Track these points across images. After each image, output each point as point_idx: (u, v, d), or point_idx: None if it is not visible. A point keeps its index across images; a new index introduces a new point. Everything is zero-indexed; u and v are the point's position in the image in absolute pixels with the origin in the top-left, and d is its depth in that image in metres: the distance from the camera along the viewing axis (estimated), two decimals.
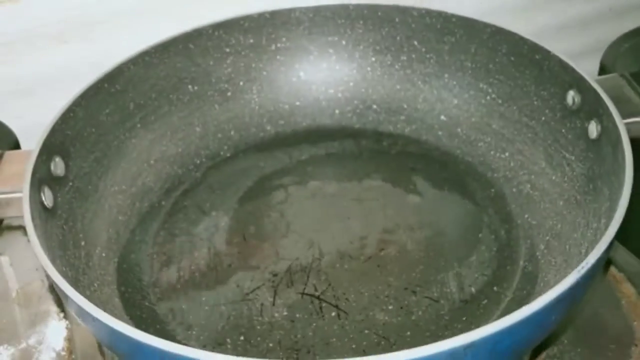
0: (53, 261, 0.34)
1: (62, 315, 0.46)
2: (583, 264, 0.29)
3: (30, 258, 0.49)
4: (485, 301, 0.41)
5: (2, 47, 0.59)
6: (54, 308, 0.46)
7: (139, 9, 0.61)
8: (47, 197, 0.40)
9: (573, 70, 0.44)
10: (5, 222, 0.52)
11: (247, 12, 0.54)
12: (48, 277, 0.33)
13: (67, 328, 0.45)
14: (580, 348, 0.40)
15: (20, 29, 0.59)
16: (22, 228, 0.52)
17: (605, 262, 0.35)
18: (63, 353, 0.43)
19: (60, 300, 0.46)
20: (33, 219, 0.36)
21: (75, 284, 0.34)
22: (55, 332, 0.45)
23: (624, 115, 0.39)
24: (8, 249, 0.51)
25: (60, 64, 0.61)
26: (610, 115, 0.39)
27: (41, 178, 0.40)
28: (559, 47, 0.46)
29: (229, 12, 0.54)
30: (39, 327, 0.45)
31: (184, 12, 0.62)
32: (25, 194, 0.37)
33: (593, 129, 0.41)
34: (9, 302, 0.47)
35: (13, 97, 0.61)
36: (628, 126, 0.38)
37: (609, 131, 0.39)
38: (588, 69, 0.43)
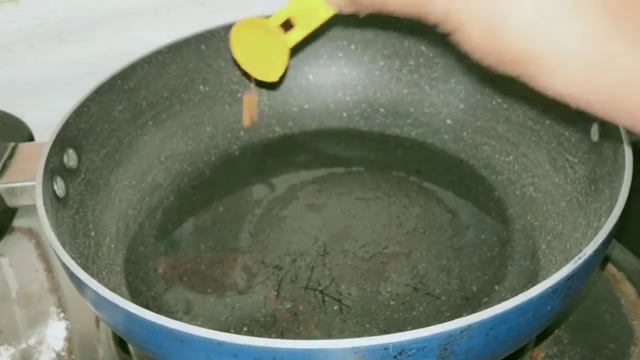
0: (63, 246, 0.35)
1: (62, 315, 0.46)
2: (580, 254, 0.29)
3: (30, 259, 0.50)
4: (486, 299, 0.41)
5: (2, 47, 0.60)
6: (53, 309, 0.46)
7: (139, 10, 0.61)
8: (60, 187, 0.41)
9: None
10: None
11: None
12: (59, 259, 0.34)
13: (67, 328, 0.45)
14: (580, 347, 0.40)
15: (20, 29, 0.59)
16: (21, 229, 0.53)
17: (603, 259, 0.35)
18: (63, 353, 0.43)
19: (60, 301, 0.47)
20: (45, 205, 0.37)
21: (84, 270, 0.35)
22: (55, 332, 0.45)
23: None
24: (8, 250, 0.51)
25: (60, 64, 0.61)
26: None
27: (54, 168, 0.41)
28: None
29: (223, 17, 0.54)
30: (39, 327, 0.45)
31: (184, 13, 0.63)
32: (38, 181, 0.38)
33: (595, 131, 0.42)
34: (8, 302, 0.47)
35: (13, 97, 0.61)
36: None
37: (611, 132, 0.39)
38: None
